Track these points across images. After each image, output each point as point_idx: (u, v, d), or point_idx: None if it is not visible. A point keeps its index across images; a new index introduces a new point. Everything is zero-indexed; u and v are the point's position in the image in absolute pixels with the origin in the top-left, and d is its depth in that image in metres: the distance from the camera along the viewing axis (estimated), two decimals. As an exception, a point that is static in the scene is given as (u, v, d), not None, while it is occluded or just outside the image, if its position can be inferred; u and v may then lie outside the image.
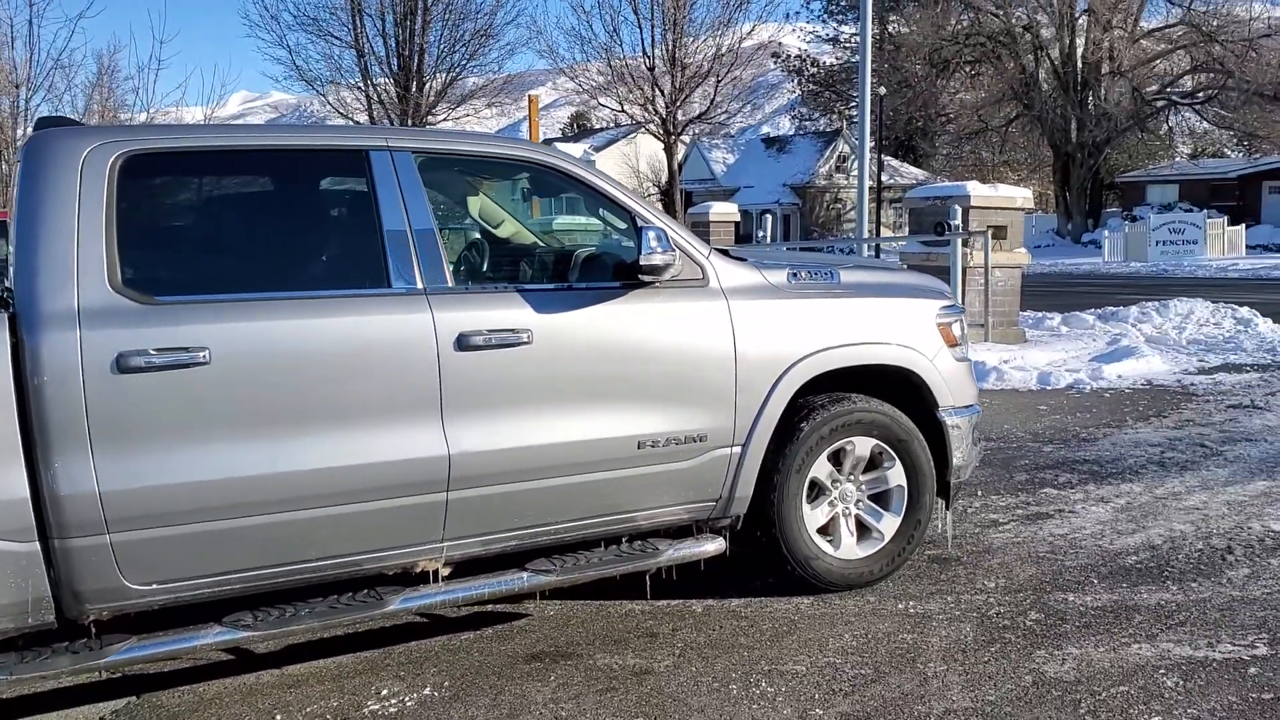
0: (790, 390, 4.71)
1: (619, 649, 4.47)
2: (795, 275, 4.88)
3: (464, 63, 18.86)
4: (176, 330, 3.74)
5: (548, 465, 4.29)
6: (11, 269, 3.70)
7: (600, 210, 4.69)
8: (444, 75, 18.47)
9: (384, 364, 4.03)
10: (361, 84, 18.86)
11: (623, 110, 24.27)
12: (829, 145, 68.29)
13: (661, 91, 18.96)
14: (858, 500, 5.02)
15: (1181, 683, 3.98)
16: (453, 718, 3.91)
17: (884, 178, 57.06)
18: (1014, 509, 6.29)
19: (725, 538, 4.74)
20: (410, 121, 18.18)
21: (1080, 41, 55.92)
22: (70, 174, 3.73)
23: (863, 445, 4.94)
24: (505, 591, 4.32)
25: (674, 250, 4.39)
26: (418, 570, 4.26)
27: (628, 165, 63.60)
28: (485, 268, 4.62)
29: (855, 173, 61.38)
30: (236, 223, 4.19)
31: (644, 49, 19.87)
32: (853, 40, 68.25)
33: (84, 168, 3.75)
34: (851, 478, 5.00)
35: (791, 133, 78.55)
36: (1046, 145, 60.32)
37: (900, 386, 5.09)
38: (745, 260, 4.82)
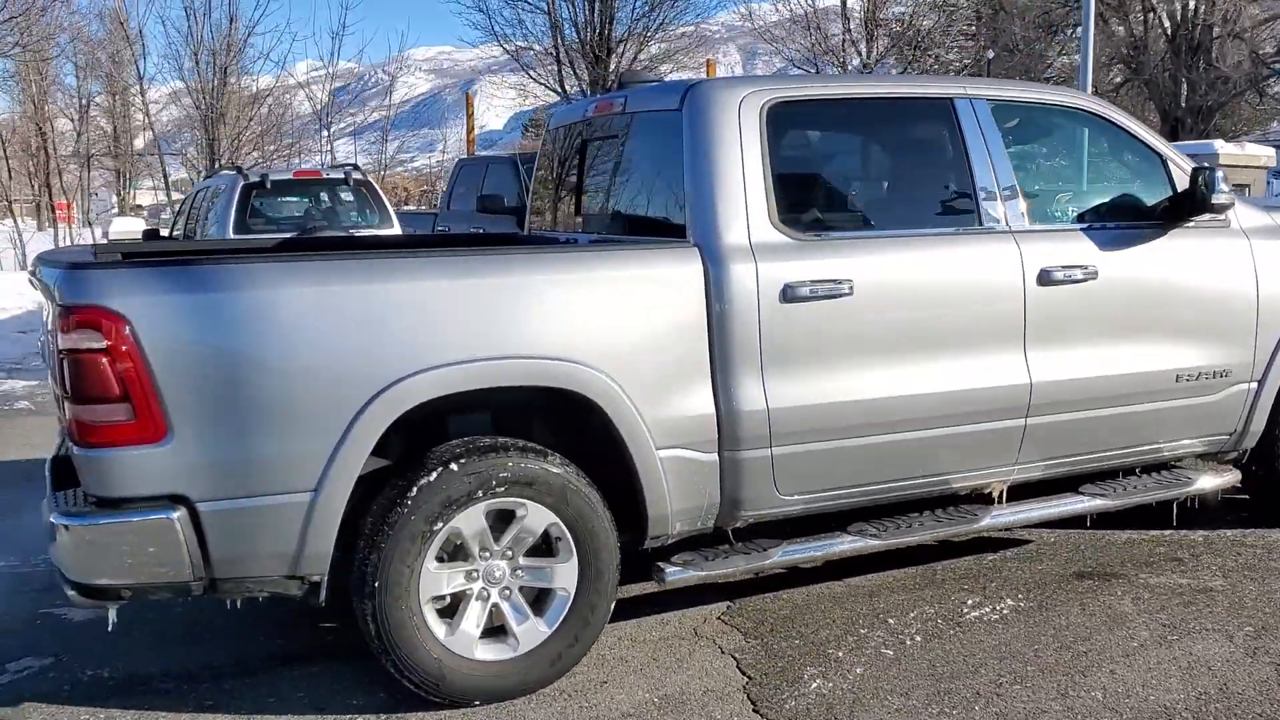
0: (1314, 323, 4.92)
1: (1155, 571, 4.75)
2: (1299, 219, 5.08)
3: (655, 28, 19.16)
4: (826, 264, 4.07)
5: (1105, 395, 4.57)
6: (688, 206, 4.04)
7: (1124, 154, 4.92)
8: (636, 39, 18.81)
9: (979, 296, 4.34)
10: (552, 48, 19.28)
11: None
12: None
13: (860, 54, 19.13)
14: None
15: None
16: (1058, 623, 4.22)
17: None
18: None
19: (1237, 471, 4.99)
20: (599, 86, 18.54)
21: (1193, 2, 54.66)
22: (731, 120, 4.06)
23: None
24: (1067, 513, 4.63)
25: (1231, 191, 4.63)
26: (986, 491, 4.57)
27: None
28: (1045, 208, 4.86)
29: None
30: (855, 164, 4.51)
31: (842, 12, 19.99)
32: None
33: (741, 114, 4.08)
34: (1341, 415, 5.20)
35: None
36: (1153, 110, 59.18)
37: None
38: (1255, 203, 5.04)
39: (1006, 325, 4.37)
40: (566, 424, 3.95)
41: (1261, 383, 4.89)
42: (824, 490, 4.19)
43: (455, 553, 3.71)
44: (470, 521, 3.66)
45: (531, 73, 20.18)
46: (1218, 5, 56.42)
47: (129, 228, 19.46)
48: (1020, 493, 4.66)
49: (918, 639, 4.14)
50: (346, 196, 11.35)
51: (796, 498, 4.15)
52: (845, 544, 4.24)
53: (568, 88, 20.02)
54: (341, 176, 11.28)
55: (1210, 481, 4.88)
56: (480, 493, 3.62)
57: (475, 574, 3.73)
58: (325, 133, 24.49)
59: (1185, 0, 56.49)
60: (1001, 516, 4.50)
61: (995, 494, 4.58)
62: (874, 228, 4.29)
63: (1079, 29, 62.58)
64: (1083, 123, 4.84)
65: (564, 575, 3.80)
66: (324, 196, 11.50)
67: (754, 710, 3.65)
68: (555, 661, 3.80)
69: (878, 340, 4.16)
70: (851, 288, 4.06)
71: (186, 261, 3.49)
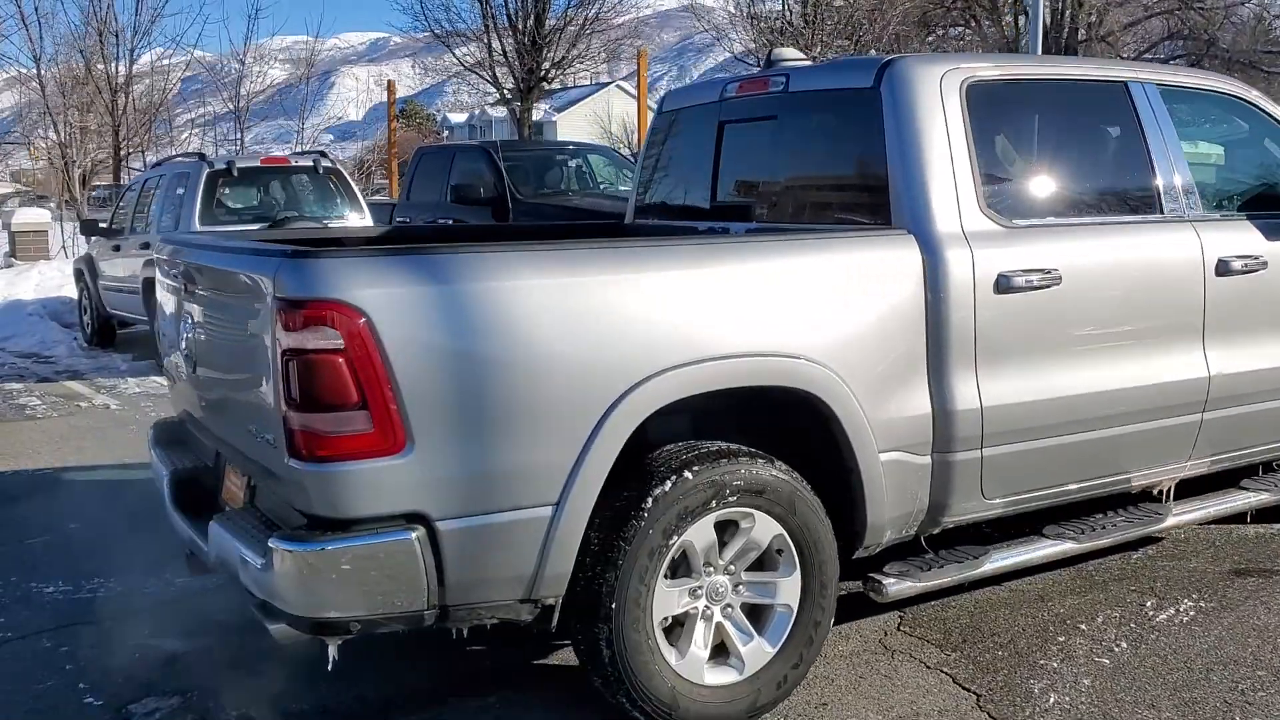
0: None
1: (1306, 565, 4.68)
2: None
3: (594, 16, 18.65)
4: (1035, 252, 3.85)
5: (1268, 388, 4.47)
6: (896, 191, 3.77)
7: (1270, 140, 4.82)
8: (572, 32, 18.35)
9: (1169, 287, 4.18)
10: (484, 36, 18.67)
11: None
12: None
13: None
14: None
15: None
16: (1253, 624, 4.10)
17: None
18: None
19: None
20: (534, 75, 18.04)
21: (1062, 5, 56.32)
22: (935, 99, 3.81)
23: None
24: (1237, 509, 4.54)
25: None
26: (1155, 489, 4.42)
27: (600, 126, 62.40)
28: (1212, 195, 4.71)
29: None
30: (1047, 147, 4.29)
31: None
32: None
33: (944, 93, 3.83)
34: None
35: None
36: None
37: None
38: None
39: (1190, 317, 4.22)
40: (762, 427, 3.64)
41: (1403, 374, 4.85)
42: (1023, 493, 3.98)
43: (676, 569, 3.38)
44: (701, 534, 3.34)
45: (467, 65, 19.57)
46: (1084, 10, 58.45)
47: (34, 219, 18.22)
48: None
49: (1123, 645, 3.96)
50: (316, 185, 10.74)
51: (998, 501, 3.93)
52: (1047, 549, 4.03)
53: (499, 77, 19.53)
54: (310, 164, 10.66)
55: (1358, 474, 4.83)
56: (714, 503, 3.31)
57: (699, 591, 3.40)
58: (300, 125, 23.32)
59: (1055, 4, 58.39)
60: (1183, 515, 4.35)
61: (1163, 491, 4.43)
62: (1071, 215, 4.09)
63: (954, 29, 64.17)
64: (1231, 108, 4.73)
65: (787, 590, 3.50)
66: (292, 185, 10.87)
67: (1005, 729, 3.42)
68: (781, 684, 3.50)
69: (1080, 333, 3.97)
70: (1059, 278, 3.85)
71: (421, 250, 3.07)
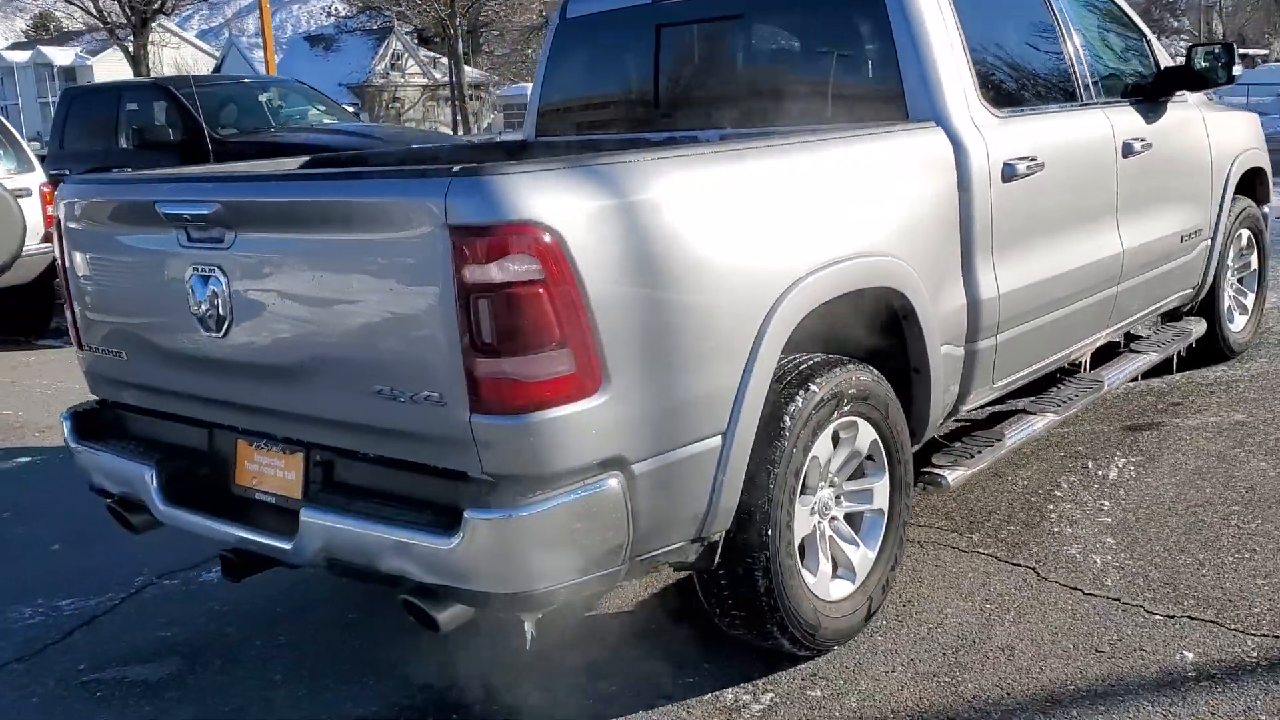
0: (1235, 181, 5.61)
1: (1179, 414, 5.23)
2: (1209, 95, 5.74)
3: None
4: (1023, 140, 3.98)
5: (1151, 259, 4.92)
6: (912, 84, 3.74)
7: (1121, 32, 5.22)
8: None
9: (1098, 170, 4.48)
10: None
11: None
12: (381, 43, 66.37)
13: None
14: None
15: None
16: (1188, 468, 4.55)
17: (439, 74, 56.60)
18: None
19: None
20: (147, 11, 15.97)
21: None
22: (934, -10, 3.80)
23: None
24: (1141, 368, 4.98)
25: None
26: (1078, 360, 4.77)
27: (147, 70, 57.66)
28: (1103, 83, 4.97)
29: (411, 70, 59.57)
30: (1007, 37, 4.35)
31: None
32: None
33: (942, -15, 3.83)
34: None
35: (334, 30, 75.56)
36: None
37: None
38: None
39: (1110, 197, 4.55)
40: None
41: (1213, 239, 5.52)
42: (1013, 374, 4.15)
43: (791, 487, 3.23)
44: (823, 447, 3.22)
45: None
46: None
47: None
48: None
49: (1106, 504, 4.26)
50: (-32, 135, 9.06)
51: (1000, 384, 4.08)
52: (1040, 422, 4.23)
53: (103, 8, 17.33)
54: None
55: (1200, 329, 5.47)
56: (835, 414, 3.19)
57: (815, 507, 3.28)
58: None
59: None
60: (1114, 378, 4.73)
61: (1083, 361, 4.79)
62: (1033, 105, 4.25)
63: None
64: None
65: (880, 494, 3.47)
66: (-62, 136, 9.08)
67: (1084, 594, 3.58)
68: (885, 587, 3.47)
69: (1055, 217, 4.18)
70: (1042, 164, 4.01)
71: (595, 160, 2.65)
